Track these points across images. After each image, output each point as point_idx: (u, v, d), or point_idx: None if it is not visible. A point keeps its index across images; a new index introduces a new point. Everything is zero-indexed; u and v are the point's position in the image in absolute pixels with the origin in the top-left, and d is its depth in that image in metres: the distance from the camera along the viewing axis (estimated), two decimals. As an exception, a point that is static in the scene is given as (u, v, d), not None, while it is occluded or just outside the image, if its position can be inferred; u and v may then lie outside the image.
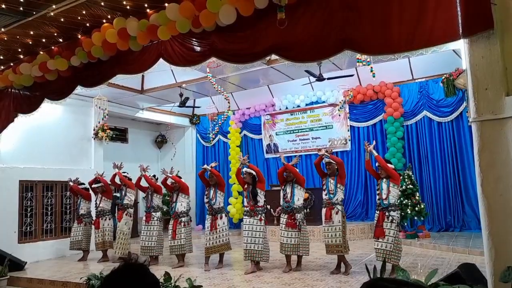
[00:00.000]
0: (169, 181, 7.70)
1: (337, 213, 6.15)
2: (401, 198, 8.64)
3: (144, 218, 7.92)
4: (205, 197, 7.25)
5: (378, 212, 5.94)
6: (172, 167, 8.05)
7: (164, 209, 12.23)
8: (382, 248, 5.70)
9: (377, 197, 6.05)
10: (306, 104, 11.56)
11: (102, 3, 4.86)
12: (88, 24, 5.35)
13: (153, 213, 7.78)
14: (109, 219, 8.43)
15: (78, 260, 8.35)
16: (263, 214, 6.59)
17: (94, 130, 10.21)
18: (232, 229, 10.80)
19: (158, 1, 4.78)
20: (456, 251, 7.26)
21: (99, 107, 9.93)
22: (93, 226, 8.54)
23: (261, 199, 6.60)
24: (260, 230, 6.49)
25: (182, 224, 7.26)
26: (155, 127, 13.81)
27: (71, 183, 8.58)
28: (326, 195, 6.32)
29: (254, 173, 6.67)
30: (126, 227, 8.03)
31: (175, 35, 4.87)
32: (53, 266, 8.03)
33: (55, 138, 9.36)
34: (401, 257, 5.84)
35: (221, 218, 7.00)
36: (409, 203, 8.53)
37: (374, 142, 7.01)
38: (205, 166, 7.37)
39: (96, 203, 8.49)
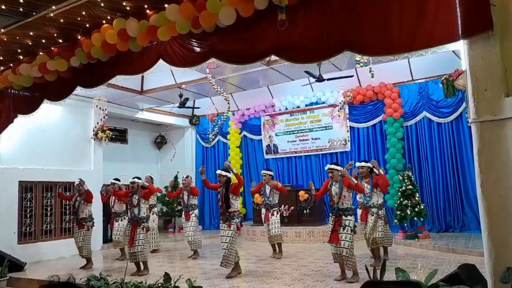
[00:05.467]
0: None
1: (372, 214, 6.52)
2: (401, 199, 8.66)
3: (183, 216, 8.55)
4: (263, 196, 8.22)
5: (332, 217, 5.83)
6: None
7: (164, 210, 12.29)
8: (338, 253, 5.66)
9: (330, 202, 5.99)
10: (306, 105, 11.56)
11: (102, 4, 4.85)
12: (87, 25, 5.34)
13: (191, 211, 8.41)
14: (123, 220, 8.37)
15: (80, 268, 7.62)
16: (236, 220, 6.36)
17: (93, 130, 10.20)
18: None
19: (158, 2, 4.78)
20: (456, 252, 7.27)
21: (99, 108, 9.90)
22: (89, 230, 7.88)
23: (234, 204, 6.42)
24: (227, 235, 6.27)
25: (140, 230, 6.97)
26: (155, 128, 13.80)
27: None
28: (360, 198, 6.74)
29: (228, 175, 6.54)
30: (154, 224, 8.52)
31: (175, 36, 4.87)
32: (52, 266, 8.02)
33: (54, 138, 9.35)
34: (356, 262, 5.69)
35: (272, 214, 7.86)
36: (409, 204, 8.53)
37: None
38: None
39: (110, 204, 8.53)
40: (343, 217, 5.67)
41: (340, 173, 5.85)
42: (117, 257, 8.64)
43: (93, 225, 7.90)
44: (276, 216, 7.90)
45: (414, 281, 3.35)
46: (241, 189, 12.15)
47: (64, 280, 1.62)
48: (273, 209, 7.92)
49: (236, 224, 6.36)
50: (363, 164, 6.81)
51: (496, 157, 3.16)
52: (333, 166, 5.95)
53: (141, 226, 6.91)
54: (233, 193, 6.47)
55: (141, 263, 6.93)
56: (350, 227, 5.64)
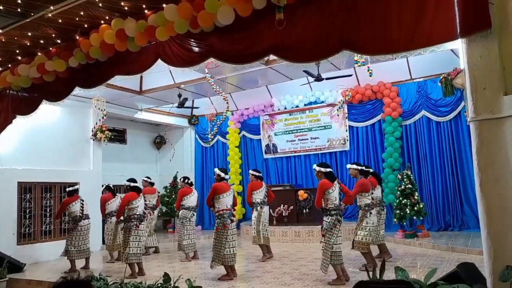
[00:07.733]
0: None
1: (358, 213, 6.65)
2: (400, 198, 8.67)
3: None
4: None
5: None
6: None
7: (163, 210, 12.29)
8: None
9: None
10: (305, 104, 11.56)
11: (100, 4, 4.85)
12: (86, 25, 5.34)
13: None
14: (111, 222, 8.30)
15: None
16: (217, 220, 6.31)
17: (92, 131, 10.18)
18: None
19: (156, 1, 4.78)
20: (455, 251, 7.28)
21: (98, 108, 9.90)
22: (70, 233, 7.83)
23: (215, 205, 6.38)
24: (213, 236, 6.37)
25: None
26: (154, 128, 13.80)
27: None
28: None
29: (222, 175, 6.58)
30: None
31: (173, 36, 4.87)
32: (52, 267, 8.00)
33: (53, 139, 9.33)
34: (333, 264, 5.63)
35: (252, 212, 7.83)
36: (408, 203, 8.55)
37: None
38: None
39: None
40: None
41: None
42: (108, 260, 8.48)
43: (68, 223, 7.77)
44: (253, 217, 7.72)
45: (407, 280, 3.34)
46: (240, 189, 12.30)
47: (81, 279, 1.63)
48: (253, 208, 7.79)
49: (217, 225, 6.32)
50: (349, 166, 6.97)
51: (495, 156, 3.16)
52: (314, 166, 6.11)
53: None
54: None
55: (135, 265, 6.78)
56: (323, 228, 5.71)
